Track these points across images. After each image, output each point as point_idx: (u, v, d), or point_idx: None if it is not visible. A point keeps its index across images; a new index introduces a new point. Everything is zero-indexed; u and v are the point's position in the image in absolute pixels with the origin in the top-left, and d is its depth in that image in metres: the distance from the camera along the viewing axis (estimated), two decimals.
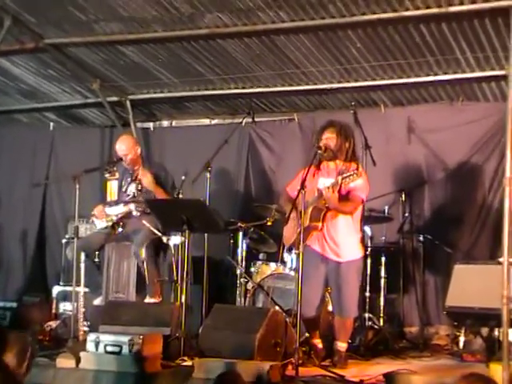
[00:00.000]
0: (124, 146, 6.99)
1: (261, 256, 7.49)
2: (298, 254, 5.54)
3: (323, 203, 5.82)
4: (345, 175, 5.62)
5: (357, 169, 5.65)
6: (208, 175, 6.75)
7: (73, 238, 6.75)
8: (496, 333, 6.18)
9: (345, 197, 5.85)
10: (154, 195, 6.74)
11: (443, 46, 6.91)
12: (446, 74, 7.47)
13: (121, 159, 6.97)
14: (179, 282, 6.07)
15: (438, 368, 5.92)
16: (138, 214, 6.78)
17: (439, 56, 7.13)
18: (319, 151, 5.88)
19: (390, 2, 6.27)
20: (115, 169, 6.98)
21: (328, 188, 5.68)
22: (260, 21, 6.84)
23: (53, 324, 7.20)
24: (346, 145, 5.95)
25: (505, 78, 6.78)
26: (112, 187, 7.02)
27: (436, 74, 7.51)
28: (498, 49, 6.82)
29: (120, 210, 6.85)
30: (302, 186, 5.50)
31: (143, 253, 6.65)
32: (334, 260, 5.91)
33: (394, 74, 7.63)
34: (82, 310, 6.45)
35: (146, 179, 6.75)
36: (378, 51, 7.15)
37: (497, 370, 4.59)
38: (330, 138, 5.94)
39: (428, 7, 6.29)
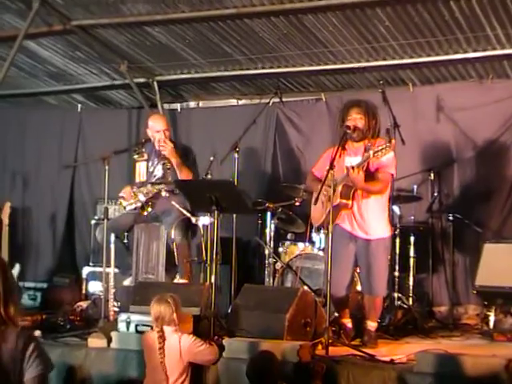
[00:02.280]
0: (162, 121, 7.05)
1: (289, 236, 7.50)
2: (326, 234, 5.52)
3: (351, 181, 5.80)
4: (376, 149, 5.55)
5: (390, 141, 5.58)
6: (236, 156, 6.73)
7: (102, 220, 6.79)
8: None
9: (373, 174, 5.81)
10: (178, 174, 6.74)
11: (473, 22, 6.81)
12: (475, 51, 7.37)
13: (149, 140, 6.99)
14: (208, 262, 6.07)
15: (469, 347, 5.88)
16: (167, 194, 6.79)
17: (469, 33, 7.04)
18: (348, 131, 5.84)
19: None
20: (143, 150, 6.99)
21: (353, 168, 5.63)
22: (287, 0, 6.80)
23: (83, 304, 7.26)
24: (373, 123, 5.91)
25: None
26: (140, 168, 7.03)
27: (465, 52, 7.42)
28: None
29: (148, 190, 6.85)
30: (331, 166, 5.47)
31: (173, 233, 6.68)
32: (364, 238, 5.90)
33: (423, 52, 7.55)
34: (112, 290, 6.48)
35: (168, 148, 6.75)
36: (406, 29, 7.07)
37: None
38: (358, 119, 5.89)
39: None
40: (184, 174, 6.75)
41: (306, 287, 6.40)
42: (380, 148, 5.54)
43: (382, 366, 4.87)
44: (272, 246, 7.36)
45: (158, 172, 6.98)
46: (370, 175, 5.77)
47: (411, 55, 7.63)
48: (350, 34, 7.29)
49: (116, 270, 6.79)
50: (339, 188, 5.77)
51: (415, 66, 7.87)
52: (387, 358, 5.01)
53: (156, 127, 6.95)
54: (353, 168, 5.63)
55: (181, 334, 4.87)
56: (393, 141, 5.63)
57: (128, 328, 5.51)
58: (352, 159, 5.89)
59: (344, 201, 5.82)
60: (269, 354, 4.62)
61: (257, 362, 4.53)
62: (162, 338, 4.81)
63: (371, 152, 5.57)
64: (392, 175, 5.97)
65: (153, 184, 6.89)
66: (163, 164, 6.90)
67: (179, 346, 4.81)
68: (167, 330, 4.83)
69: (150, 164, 7.05)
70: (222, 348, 5.04)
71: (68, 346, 5.76)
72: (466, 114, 7.87)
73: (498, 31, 6.93)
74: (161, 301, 4.90)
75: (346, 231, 5.93)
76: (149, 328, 5.18)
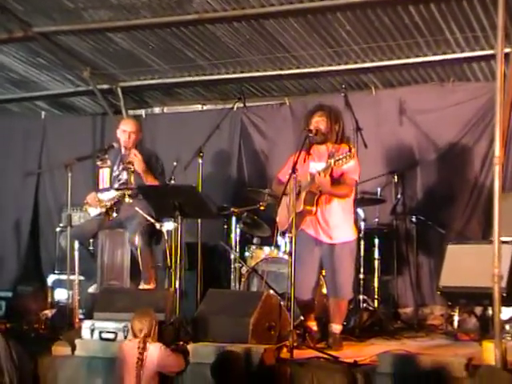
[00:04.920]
0: (132, 124, 7.04)
1: (255, 240, 7.51)
2: (291, 238, 5.55)
3: (316, 187, 5.83)
4: (337, 158, 5.61)
5: (349, 150, 5.63)
6: (200, 161, 6.75)
7: (66, 227, 6.75)
8: (490, 311, 6.20)
9: (337, 180, 5.86)
10: (143, 180, 6.74)
11: (432, 26, 6.90)
12: (435, 54, 7.47)
13: (112, 146, 6.97)
14: (173, 267, 6.07)
15: (432, 348, 5.94)
16: (131, 200, 6.78)
17: (429, 37, 7.13)
18: (310, 134, 5.88)
19: None
20: (106, 156, 6.95)
21: (319, 173, 5.68)
22: (249, 5, 6.82)
23: (48, 313, 7.21)
24: (336, 127, 5.96)
25: (494, 57, 6.72)
26: (104, 175, 7.00)
27: (426, 55, 7.51)
28: (487, 28, 6.80)
29: (112, 195, 6.83)
30: (294, 170, 5.51)
31: (137, 239, 6.66)
32: (328, 242, 5.93)
33: (384, 56, 7.63)
34: (77, 297, 6.47)
35: (137, 160, 6.75)
36: (367, 33, 7.14)
37: (489, 348, 4.64)
38: (320, 121, 5.95)
39: None
40: (149, 181, 6.75)
41: (271, 291, 6.42)
42: (341, 157, 5.60)
43: (346, 368, 4.90)
44: (238, 250, 7.37)
45: (123, 177, 6.96)
46: (333, 181, 5.81)
47: (373, 59, 7.70)
48: (312, 39, 7.34)
49: (81, 277, 6.76)
50: (303, 195, 5.82)
51: (377, 70, 7.94)
52: (351, 360, 5.04)
53: (123, 127, 6.98)
54: (319, 173, 5.67)
55: (153, 344, 4.92)
56: (353, 150, 5.69)
57: (92, 335, 5.49)
58: (316, 164, 5.93)
59: (308, 207, 5.87)
60: (234, 352, 4.66)
61: (222, 359, 4.57)
62: (144, 349, 4.86)
63: (332, 160, 5.62)
64: (356, 181, 6.02)
65: (117, 189, 6.87)
66: (128, 169, 6.89)
67: (154, 356, 4.88)
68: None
69: (114, 168, 7.02)
70: (186, 354, 5.06)
71: (33, 354, 5.71)
72: (428, 117, 7.96)
73: (457, 35, 7.02)
74: (144, 314, 4.99)
75: (310, 236, 5.97)
76: (112, 335, 5.17)
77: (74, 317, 6.35)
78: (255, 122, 8.82)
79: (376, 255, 7.33)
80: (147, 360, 4.86)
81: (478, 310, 6.60)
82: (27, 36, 7.67)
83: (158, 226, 6.54)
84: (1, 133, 9.65)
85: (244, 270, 7.13)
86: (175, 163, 6.64)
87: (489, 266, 4.71)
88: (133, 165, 6.78)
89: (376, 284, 7.28)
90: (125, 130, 6.94)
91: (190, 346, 5.24)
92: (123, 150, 6.96)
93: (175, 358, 4.97)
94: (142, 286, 6.70)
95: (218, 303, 5.79)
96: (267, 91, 8.79)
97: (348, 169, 5.81)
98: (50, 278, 8.28)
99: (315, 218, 5.94)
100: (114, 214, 6.86)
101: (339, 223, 5.95)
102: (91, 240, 6.97)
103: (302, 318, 6.15)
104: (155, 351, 4.91)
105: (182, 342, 5.28)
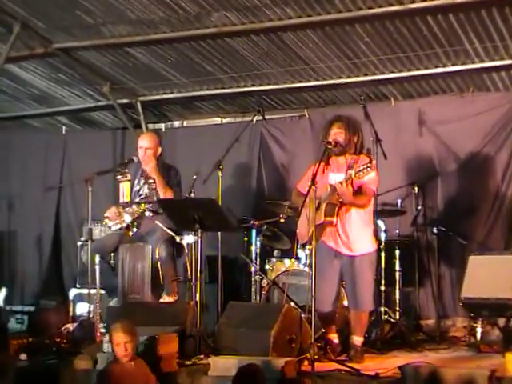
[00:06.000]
0: (147, 140, 7.05)
1: (275, 253, 7.50)
2: (311, 251, 5.54)
3: (336, 198, 5.83)
4: (358, 169, 5.59)
5: (370, 162, 5.62)
6: (220, 174, 6.77)
7: (87, 241, 6.78)
8: None
9: (357, 190, 5.85)
10: (162, 194, 6.76)
11: (451, 37, 6.89)
12: (455, 65, 7.45)
13: (132, 160, 7.01)
14: (193, 280, 6.08)
15: (455, 360, 5.89)
16: (151, 214, 6.81)
17: (448, 47, 7.11)
18: (329, 146, 5.88)
19: None
20: (126, 170, 6.98)
21: (341, 183, 5.69)
22: (267, 18, 6.86)
23: (70, 327, 7.21)
24: (354, 139, 5.97)
25: None
26: (124, 189, 7.03)
27: (445, 66, 7.49)
28: (506, 38, 6.80)
29: (133, 210, 6.86)
30: (313, 182, 5.50)
31: (160, 252, 6.69)
32: (348, 254, 5.92)
33: (403, 67, 7.61)
34: (99, 311, 6.48)
35: (150, 165, 6.80)
36: (385, 44, 7.14)
37: None
38: (338, 133, 5.95)
39: None
40: (166, 194, 6.77)
41: (292, 303, 6.40)
42: (361, 168, 5.58)
43: (367, 381, 4.87)
44: (258, 263, 7.36)
45: (144, 191, 6.99)
46: (353, 191, 5.79)
47: (392, 70, 7.69)
48: (331, 51, 7.35)
49: (102, 291, 6.79)
50: (323, 206, 5.82)
51: (396, 81, 7.93)
52: (372, 373, 5.01)
53: (140, 143, 7.03)
54: (341, 183, 5.68)
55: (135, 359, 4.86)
56: (373, 161, 5.68)
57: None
58: (335, 176, 5.94)
59: (328, 219, 5.87)
60: (255, 366, 4.63)
61: (244, 372, 4.54)
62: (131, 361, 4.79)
63: (353, 172, 5.61)
64: (374, 191, 6.01)
65: (138, 204, 6.90)
66: (149, 184, 6.91)
67: (141, 371, 4.81)
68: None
69: (135, 183, 7.06)
70: None
71: (55, 367, 5.73)
72: (448, 128, 7.93)
73: (476, 45, 7.00)
74: (126, 327, 4.87)
75: (330, 248, 5.96)
76: None
77: (95, 331, 6.36)
78: (274, 135, 8.82)
79: (397, 267, 7.27)
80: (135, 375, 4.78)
81: (501, 321, 6.53)
82: (48, 52, 7.77)
83: (178, 239, 6.56)
84: (23, 148, 9.75)
85: (264, 282, 7.12)
86: (195, 176, 6.65)
87: (511, 277, 4.67)
88: (152, 178, 6.81)
89: (397, 296, 7.23)
90: (141, 146, 6.99)
91: (211, 359, 5.23)
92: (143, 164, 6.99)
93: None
94: (164, 298, 6.71)
95: (239, 316, 5.79)
96: (286, 104, 8.80)
97: (368, 180, 5.78)
98: (72, 292, 8.31)
99: (335, 230, 5.93)
100: (135, 229, 6.89)
101: (359, 235, 5.94)
102: (112, 254, 7.00)
103: (322, 330, 6.12)
104: (143, 365, 4.85)
105: None
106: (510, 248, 7.31)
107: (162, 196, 6.75)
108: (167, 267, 6.72)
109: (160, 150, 7.12)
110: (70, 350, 6.29)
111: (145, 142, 7.01)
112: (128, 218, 6.87)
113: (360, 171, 5.59)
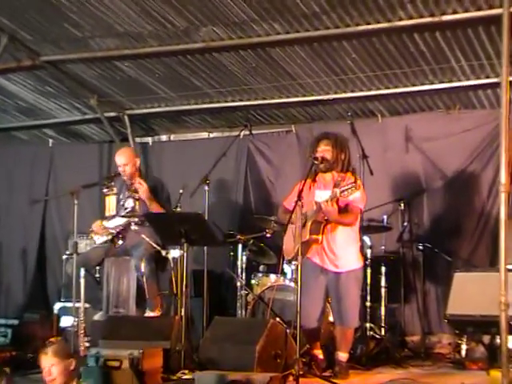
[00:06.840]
0: (123, 157, 7.02)
1: (261, 268, 7.50)
2: (297, 267, 5.54)
3: (322, 216, 5.84)
4: (343, 188, 5.59)
5: (355, 182, 5.63)
6: (206, 188, 6.78)
7: (72, 254, 6.75)
8: (498, 340, 6.15)
9: (343, 208, 5.86)
10: (148, 207, 6.75)
11: (438, 54, 6.93)
12: (441, 82, 7.49)
13: (119, 174, 7.00)
14: (179, 295, 6.06)
15: (440, 376, 5.90)
16: (137, 227, 6.80)
17: (434, 65, 7.15)
18: (316, 162, 5.89)
19: (383, 12, 6.29)
20: (113, 184, 6.98)
21: (327, 201, 5.68)
22: (255, 33, 6.87)
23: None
24: (341, 156, 5.98)
25: (500, 84, 6.77)
26: (110, 202, 7.01)
27: (432, 83, 7.53)
28: (492, 56, 6.84)
29: (118, 222, 6.85)
30: (299, 198, 5.50)
31: (143, 267, 6.66)
32: (334, 271, 5.93)
33: (390, 84, 7.65)
34: (83, 325, 6.45)
35: (142, 188, 6.77)
36: (373, 61, 7.17)
37: (497, 377, 4.60)
38: (325, 151, 5.96)
39: (421, 16, 6.31)
40: (155, 209, 6.76)
41: (277, 319, 6.39)
42: (346, 188, 5.58)
43: None
44: (244, 277, 7.35)
45: (129, 204, 6.97)
46: (339, 209, 5.80)
47: (379, 87, 7.72)
48: (318, 67, 7.37)
49: (87, 305, 6.75)
50: (308, 224, 5.82)
51: (383, 98, 7.96)
52: None
53: (117, 162, 7.04)
54: (326, 201, 5.68)
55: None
56: (358, 181, 5.70)
57: (97, 363, 5.45)
58: (321, 193, 5.94)
59: (314, 236, 5.88)
60: (239, 381, 4.61)
61: None
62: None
63: (338, 191, 5.61)
64: (360, 209, 6.02)
65: (123, 216, 6.89)
66: (133, 197, 6.90)
67: None
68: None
69: (121, 196, 7.05)
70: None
71: (37, 382, 5.69)
72: (434, 144, 7.96)
73: (463, 63, 7.04)
74: (54, 349, 4.63)
75: (316, 265, 5.96)
76: (117, 363, 5.14)
77: (79, 344, 6.33)
78: (261, 150, 8.83)
79: (383, 283, 7.30)
80: None
81: (486, 338, 6.55)
82: (35, 65, 7.74)
83: (163, 253, 6.55)
84: (9, 160, 9.72)
85: (250, 297, 7.11)
86: (181, 190, 6.67)
87: (496, 294, 4.68)
88: (138, 193, 6.80)
89: (383, 312, 7.25)
90: (119, 165, 7.00)
91: (196, 374, 5.21)
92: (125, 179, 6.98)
93: None
94: (148, 313, 6.69)
95: (224, 331, 5.78)
96: (273, 119, 8.82)
97: (354, 199, 5.80)
98: (56, 306, 8.24)
99: (321, 247, 5.94)
100: (120, 242, 6.89)
101: (345, 252, 5.95)
102: (97, 267, 6.99)
103: (308, 346, 6.11)
104: None
105: None
106: (495, 265, 7.29)
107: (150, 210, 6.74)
108: (150, 282, 6.69)
109: (138, 161, 7.14)
110: None
111: (121, 159, 7.01)
112: (113, 231, 6.86)
113: (345, 190, 5.59)
